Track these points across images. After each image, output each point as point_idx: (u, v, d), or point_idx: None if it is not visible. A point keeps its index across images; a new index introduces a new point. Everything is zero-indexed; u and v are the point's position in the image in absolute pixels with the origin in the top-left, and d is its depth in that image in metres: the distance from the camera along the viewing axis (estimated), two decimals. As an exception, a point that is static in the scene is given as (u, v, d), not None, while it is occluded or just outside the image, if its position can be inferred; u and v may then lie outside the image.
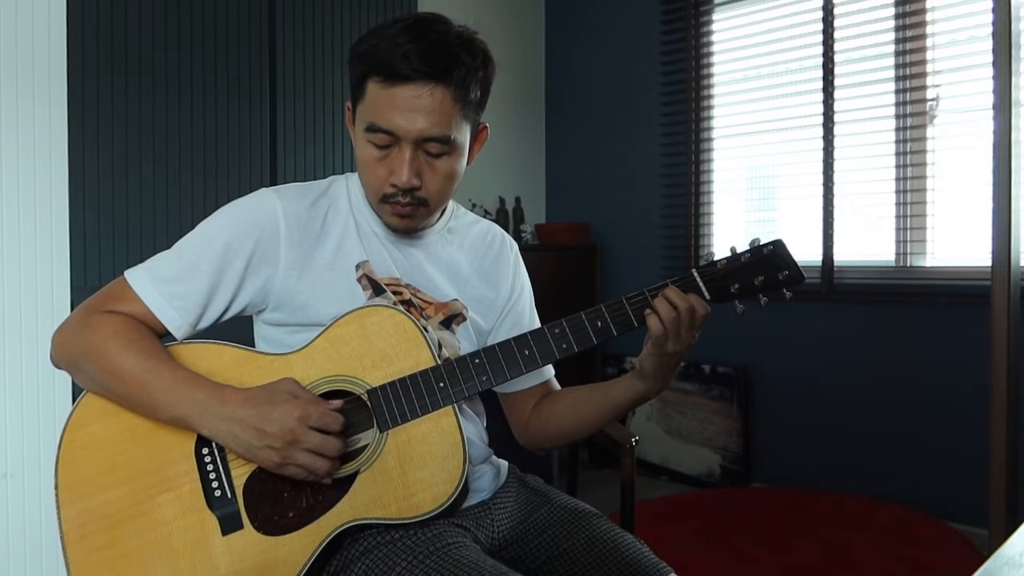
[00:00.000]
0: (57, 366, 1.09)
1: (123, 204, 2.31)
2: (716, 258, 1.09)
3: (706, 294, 1.07)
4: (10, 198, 2.04)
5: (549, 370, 1.28)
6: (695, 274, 1.07)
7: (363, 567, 1.03)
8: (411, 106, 1.04)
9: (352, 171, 1.23)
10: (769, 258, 1.07)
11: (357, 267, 1.14)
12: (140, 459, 1.04)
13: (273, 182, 2.59)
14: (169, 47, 2.40)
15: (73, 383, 2.06)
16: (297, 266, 1.11)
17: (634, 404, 1.15)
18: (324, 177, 1.22)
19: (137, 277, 1.08)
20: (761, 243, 1.08)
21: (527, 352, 1.07)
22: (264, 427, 0.98)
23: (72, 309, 1.77)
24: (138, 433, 1.05)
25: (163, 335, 1.09)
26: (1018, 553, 0.78)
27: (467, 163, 1.15)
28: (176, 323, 1.08)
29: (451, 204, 1.26)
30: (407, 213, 1.11)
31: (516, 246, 1.33)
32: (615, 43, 3.82)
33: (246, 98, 2.57)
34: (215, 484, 1.03)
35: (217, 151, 2.50)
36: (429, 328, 1.15)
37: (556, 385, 1.30)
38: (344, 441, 1.01)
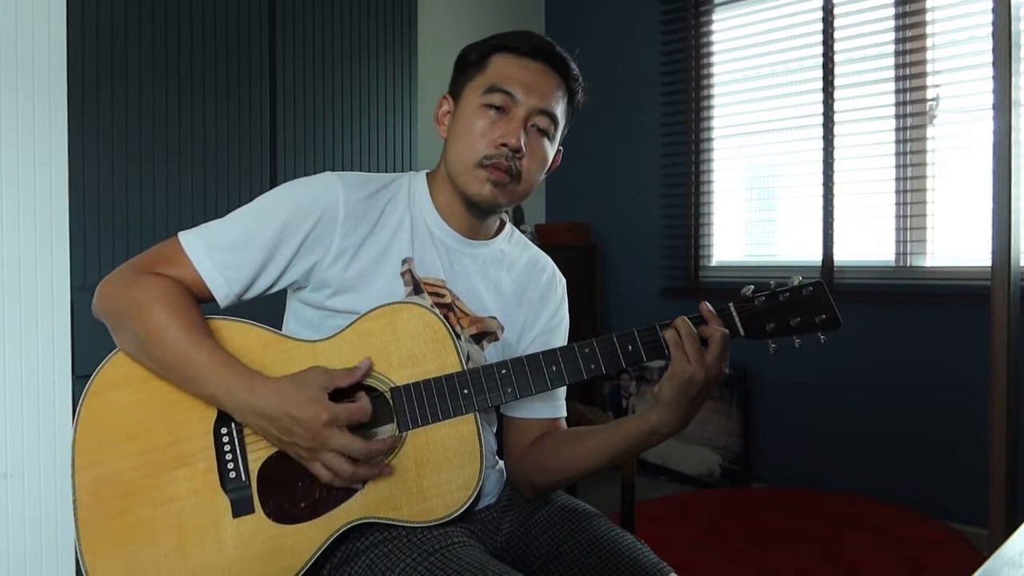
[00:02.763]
0: (97, 316, 1.09)
1: (123, 204, 2.31)
2: (754, 293, 1.08)
3: (741, 330, 1.07)
4: (10, 198, 2.04)
5: (562, 409, 1.25)
6: (731, 308, 1.07)
7: (367, 561, 1.03)
8: (534, 77, 1.14)
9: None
10: (808, 300, 1.07)
11: (403, 262, 1.14)
12: (158, 431, 1.04)
13: (273, 182, 2.58)
14: (169, 47, 2.40)
15: (73, 383, 2.06)
16: (348, 254, 1.12)
17: (646, 438, 1.08)
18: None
19: (191, 242, 1.08)
20: (801, 282, 1.07)
21: (554, 368, 1.06)
22: (292, 427, 0.98)
23: (72, 309, 1.77)
24: (158, 404, 1.04)
25: (206, 301, 1.09)
26: (1018, 553, 0.78)
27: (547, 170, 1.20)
28: (223, 291, 1.08)
29: (509, 226, 1.28)
30: (501, 180, 1.12)
31: (564, 282, 1.31)
32: (615, 43, 3.82)
33: (246, 98, 2.57)
34: (231, 465, 1.03)
35: (217, 151, 2.50)
36: (461, 338, 1.14)
37: (564, 426, 1.26)
38: (368, 446, 1.00)
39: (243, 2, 2.56)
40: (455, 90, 1.19)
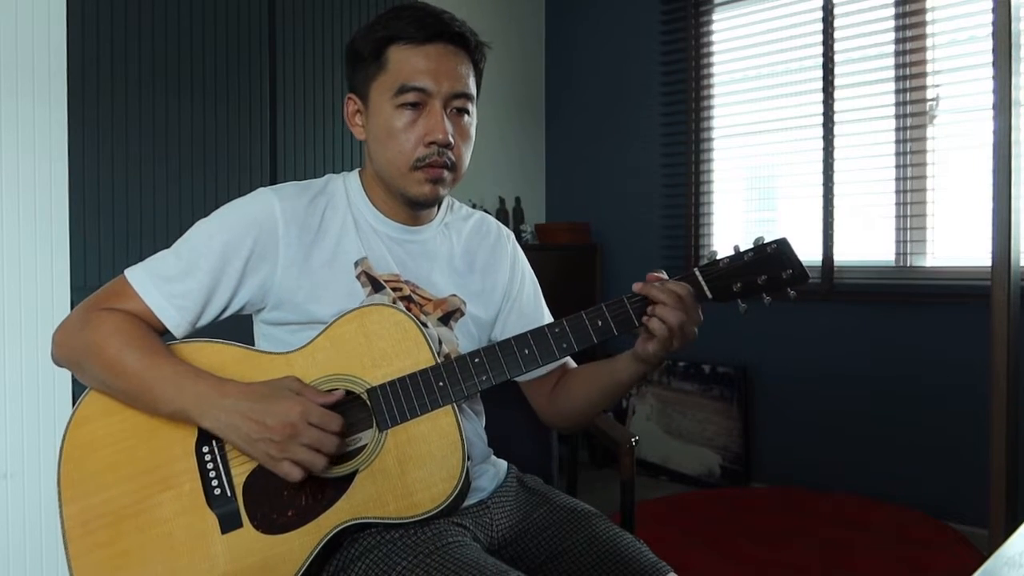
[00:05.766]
0: (58, 364, 1.09)
1: (123, 204, 2.31)
2: (719, 256, 1.08)
3: (708, 293, 1.06)
4: (10, 198, 2.04)
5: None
6: (697, 273, 1.07)
7: (363, 566, 1.03)
8: (439, 63, 1.10)
9: (350, 170, 1.24)
10: (773, 256, 1.06)
11: (356, 264, 1.14)
12: (141, 457, 1.04)
13: (273, 182, 2.59)
14: (169, 47, 2.40)
15: (73, 383, 2.06)
16: (296, 264, 1.11)
17: (636, 383, 1.16)
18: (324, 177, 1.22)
19: (137, 276, 1.09)
20: (765, 241, 1.07)
21: (527, 351, 1.07)
22: (265, 420, 0.98)
23: (72, 309, 1.77)
24: (140, 431, 1.05)
25: (162, 333, 1.09)
26: (1018, 553, 0.78)
27: None
28: (175, 322, 1.08)
29: (447, 199, 1.27)
30: (439, 177, 1.12)
31: (512, 236, 1.33)
32: (615, 43, 3.82)
33: (246, 98, 2.57)
34: (215, 483, 1.04)
35: (217, 151, 2.50)
36: (429, 325, 1.15)
37: (572, 366, 1.29)
38: (342, 440, 1.01)
39: (243, 2, 2.56)
40: (358, 88, 1.16)
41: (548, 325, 1.08)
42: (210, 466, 1.04)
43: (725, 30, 3.51)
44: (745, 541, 2.58)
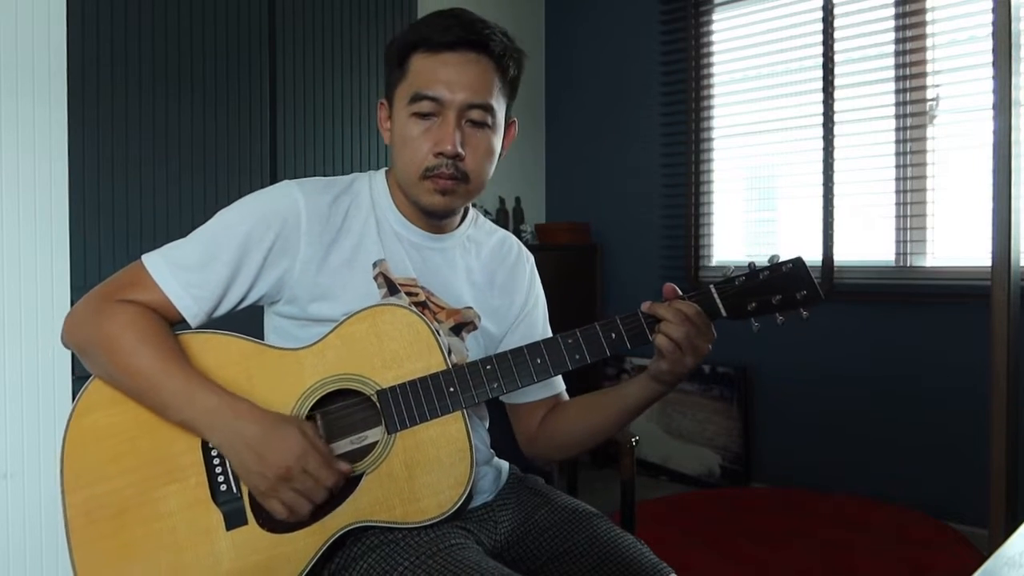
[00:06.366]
0: (67, 347, 1.08)
1: (123, 204, 2.30)
2: (734, 274, 1.08)
3: (722, 311, 1.06)
4: (10, 198, 2.04)
5: (559, 383, 1.27)
6: (712, 290, 1.07)
7: (365, 566, 1.03)
8: (457, 72, 1.08)
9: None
10: (788, 276, 1.06)
11: (374, 265, 1.14)
12: (147, 448, 1.03)
13: (273, 182, 2.58)
14: (169, 47, 2.40)
15: (73, 383, 2.06)
16: (315, 261, 1.11)
17: (649, 406, 1.14)
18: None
19: (155, 263, 1.07)
20: (780, 260, 1.07)
21: (539, 361, 1.06)
22: (265, 453, 0.97)
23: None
24: (145, 422, 1.04)
25: (177, 322, 1.08)
26: (1018, 553, 0.78)
27: (499, 154, 1.16)
28: (192, 311, 1.07)
29: (472, 212, 1.27)
30: (449, 188, 1.10)
31: (532, 258, 1.33)
32: (615, 43, 3.82)
33: (246, 98, 2.57)
34: (221, 478, 1.03)
35: (217, 151, 2.50)
36: (440, 333, 1.14)
37: (566, 398, 1.28)
38: (334, 492, 1.01)
39: (243, 2, 2.56)
40: (387, 93, 1.17)
41: (561, 335, 1.07)
42: (216, 461, 1.04)
43: (725, 30, 3.51)
44: (745, 541, 2.58)
